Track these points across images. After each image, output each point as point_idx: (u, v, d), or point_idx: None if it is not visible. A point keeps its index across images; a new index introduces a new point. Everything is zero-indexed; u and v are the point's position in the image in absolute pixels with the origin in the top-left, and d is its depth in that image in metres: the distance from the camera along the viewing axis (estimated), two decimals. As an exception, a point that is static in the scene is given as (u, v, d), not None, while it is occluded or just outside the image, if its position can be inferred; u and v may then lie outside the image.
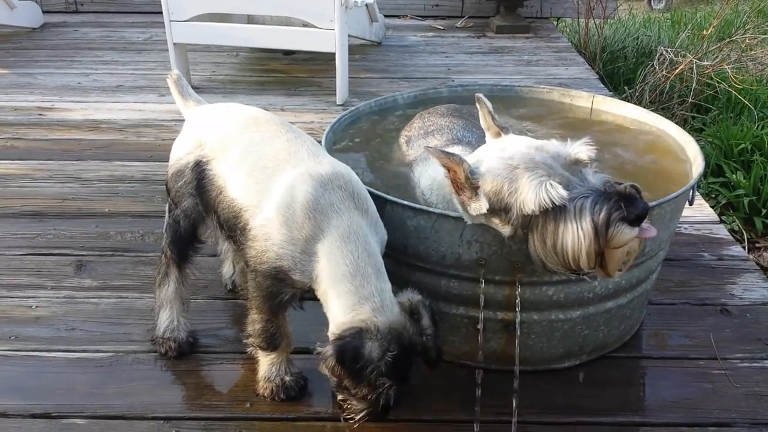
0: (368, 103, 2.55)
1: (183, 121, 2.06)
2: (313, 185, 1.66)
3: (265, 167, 1.74)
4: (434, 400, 1.92)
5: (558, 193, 1.52)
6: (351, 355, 1.55)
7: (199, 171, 1.87)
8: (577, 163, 1.60)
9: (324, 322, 2.02)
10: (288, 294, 1.74)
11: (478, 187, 1.65)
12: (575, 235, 1.54)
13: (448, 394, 1.94)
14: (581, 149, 1.60)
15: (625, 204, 1.53)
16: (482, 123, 1.84)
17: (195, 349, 2.11)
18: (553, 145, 1.62)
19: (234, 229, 1.80)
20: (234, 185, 1.78)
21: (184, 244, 2.00)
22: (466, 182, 1.65)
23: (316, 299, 1.77)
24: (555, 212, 1.55)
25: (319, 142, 2.14)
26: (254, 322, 1.81)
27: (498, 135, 1.80)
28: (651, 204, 1.79)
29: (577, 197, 1.54)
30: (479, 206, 1.66)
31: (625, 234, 1.53)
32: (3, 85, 4.47)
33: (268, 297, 1.75)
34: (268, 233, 1.66)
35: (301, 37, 4.17)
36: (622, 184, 1.56)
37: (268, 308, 1.77)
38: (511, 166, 1.60)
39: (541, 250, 1.60)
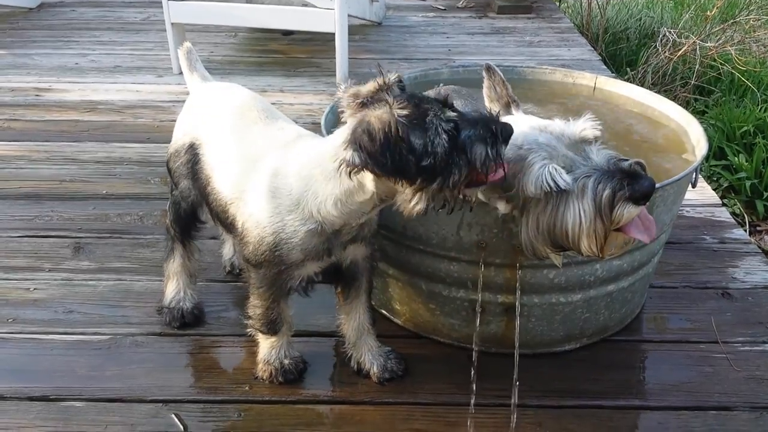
0: (368, 83, 2.52)
1: (181, 102, 2.04)
2: (283, 154, 1.65)
3: (245, 157, 1.72)
4: (433, 382, 1.92)
5: (562, 177, 1.49)
6: (367, 133, 1.36)
7: (193, 153, 1.86)
8: (581, 141, 1.57)
9: (325, 307, 2.02)
10: (296, 279, 1.70)
11: None
12: (576, 216, 1.51)
13: (447, 377, 1.93)
14: (585, 127, 1.57)
15: (630, 182, 1.48)
16: (489, 94, 1.80)
17: (200, 322, 2.12)
18: (558, 125, 1.59)
19: (225, 223, 1.80)
20: (219, 177, 1.77)
21: (185, 223, 2.02)
22: None
23: (323, 282, 1.77)
24: (557, 194, 1.52)
25: (319, 124, 2.12)
26: (255, 307, 1.80)
27: (507, 107, 1.77)
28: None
29: (579, 177, 1.51)
30: None
31: (629, 212, 1.49)
32: (0, 65, 4.43)
33: (271, 285, 1.72)
34: (258, 220, 1.64)
35: (301, 16, 4.12)
36: (627, 160, 1.53)
37: (270, 296, 1.75)
38: (515, 146, 1.58)
39: (534, 231, 1.57)
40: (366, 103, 1.42)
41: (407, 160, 1.34)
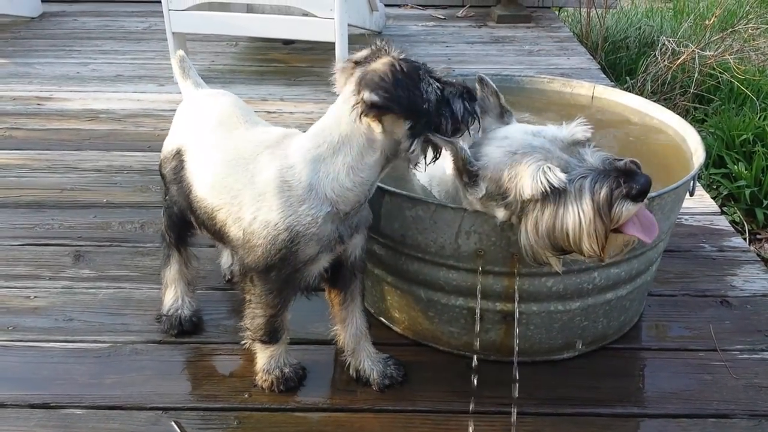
0: (367, 92, 2.53)
1: (182, 111, 2.05)
2: (281, 150, 1.67)
3: (231, 161, 1.72)
4: (432, 390, 1.92)
5: (556, 176, 1.51)
6: (377, 75, 1.48)
7: (180, 160, 1.86)
8: (575, 144, 1.58)
9: (324, 314, 2.02)
10: (312, 276, 1.69)
11: (477, 175, 1.64)
12: (575, 217, 1.52)
13: (446, 385, 1.93)
14: (577, 129, 1.59)
15: (626, 179, 1.50)
16: (483, 105, 1.80)
17: (198, 330, 2.13)
18: (550, 129, 1.62)
19: (212, 230, 1.80)
20: (201, 183, 1.78)
21: (179, 229, 2.02)
22: (464, 169, 1.65)
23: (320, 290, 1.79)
24: (554, 195, 1.53)
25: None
26: (256, 317, 1.78)
27: (501, 117, 1.79)
28: (651, 195, 1.78)
29: (575, 178, 1.52)
30: (476, 191, 1.66)
31: (628, 210, 1.51)
32: (1, 74, 4.45)
33: (282, 289, 1.70)
34: (268, 219, 1.62)
35: (301, 26, 4.15)
36: (621, 160, 1.54)
37: (279, 302, 1.73)
38: (509, 152, 1.60)
39: (533, 235, 1.58)
40: (360, 62, 1.54)
41: (416, 95, 1.47)
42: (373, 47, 1.55)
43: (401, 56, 1.50)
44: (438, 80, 1.51)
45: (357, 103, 1.48)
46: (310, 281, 1.71)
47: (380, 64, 1.48)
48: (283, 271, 1.66)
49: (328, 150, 1.58)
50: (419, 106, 1.47)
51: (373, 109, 1.47)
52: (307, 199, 1.60)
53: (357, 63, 1.54)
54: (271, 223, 1.62)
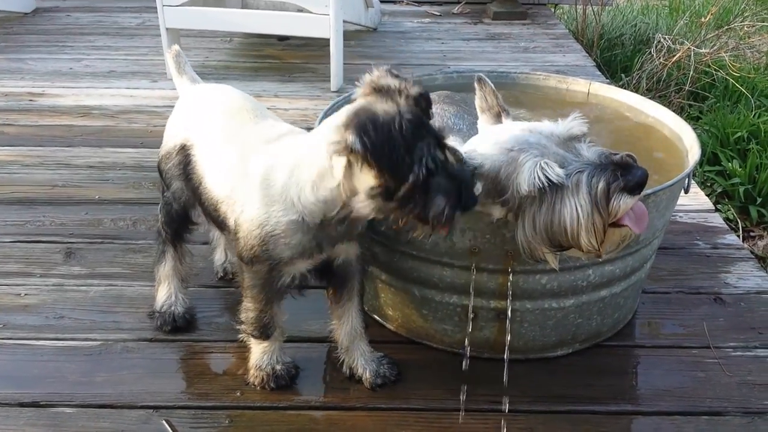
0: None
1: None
2: (274, 148, 1.66)
3: (235, 155, 1.73)
4: (426, 388, 1.91)
5: (554, 171, 1.50)
6: (372, 123, 1.34)
7: (185, 155, 1.86)
8: (571, 139, 1.58)
9: (318, 312, 2.02)
10: (287, 276, 1.69)
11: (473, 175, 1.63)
12: (573, 212, 1.51)
13: (439, 383, 1.92)
14: (573, 124, 1.59)
15: (623, 173, 1.50)
16: (481, 104, 1.81)
17: (191, 327, 2.12)
18: (546, 126, 1.61)
19: (216, 221, 1.81)
20: (210, 176, 1.78)
21: (177, 225, 2.02)
22: None
23: (316, 287, 1.78)
24: (552, 191, 1.52)
25: (312, 128, 2.12)
26: (248, 310, 1.79)
27: (498, 116, 1.78)
28: (647, 192, 1.77)
29: (572, 173, 1.52)
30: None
31: (625, 203, 1.50)
32: (-7, 70, 4.43)
33: (265, 285, 1.71)
34: (249, 214, 1.64)
35: (296, 22, 4.13)
36: (617, 154, 1.54)
37: (263, 297, 1.74)
38: (505, 149, 1.59)
39: (531, 231, 1.57)
40: (378, 90, 1.41)
41: (403, 160, 1.34)
42: (398, 82, 1.40)
43: (409, 113, 1.36)
44: (436, 165, 1.37)
45: (339, 141, 1.38)
46: (288, 281, 1.70)
47: (381, 110, 1.36)
48: (262, 266, 1.67)
49: (301, 158, 1.55)
50: (402, 171, 1.34)
51: (351, 153, 1.37)
52: (278, 201, 1.59)
53: (375, 89, 1.41)
54: (249, 217, 1.64)
